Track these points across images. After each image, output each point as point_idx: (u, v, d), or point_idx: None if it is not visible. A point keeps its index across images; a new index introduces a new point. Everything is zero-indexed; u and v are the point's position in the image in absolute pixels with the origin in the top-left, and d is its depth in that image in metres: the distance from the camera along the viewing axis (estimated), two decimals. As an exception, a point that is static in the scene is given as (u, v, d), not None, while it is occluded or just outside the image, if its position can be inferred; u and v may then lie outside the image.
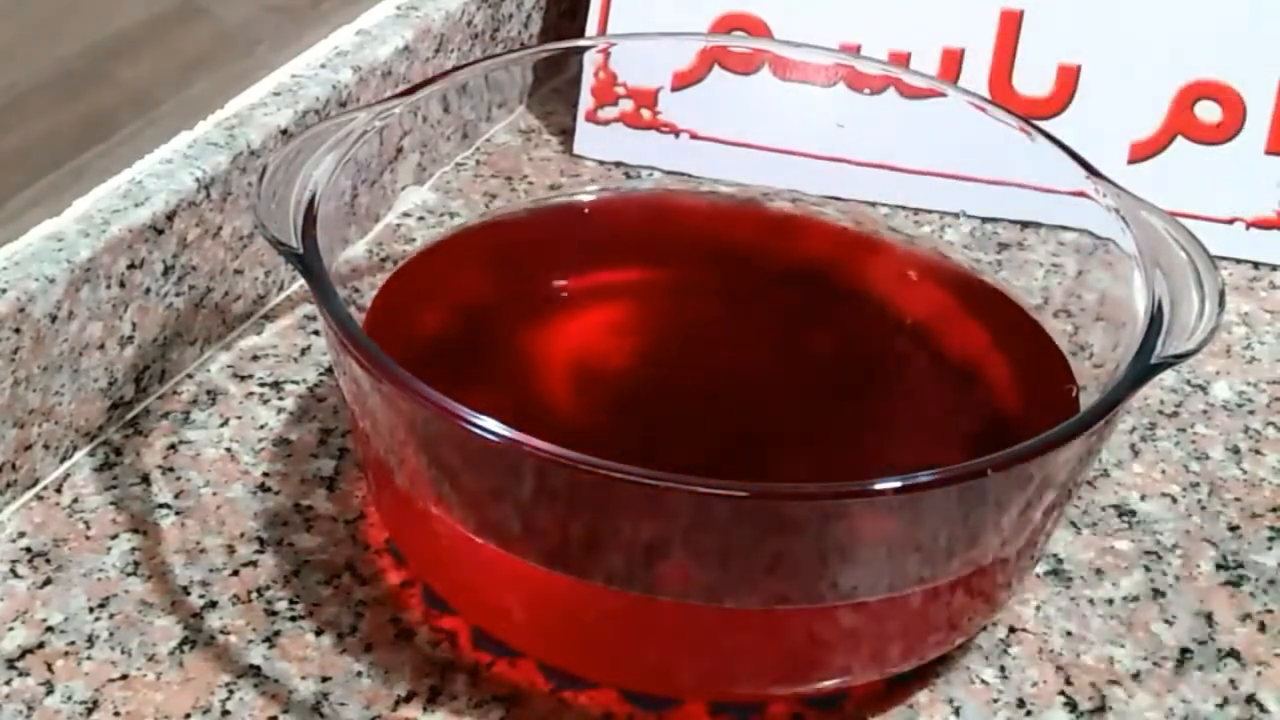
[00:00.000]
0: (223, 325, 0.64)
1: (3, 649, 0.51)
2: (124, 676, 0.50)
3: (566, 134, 0.77)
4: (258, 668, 0.51)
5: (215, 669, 0.51)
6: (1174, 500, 0.60)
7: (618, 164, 0.75)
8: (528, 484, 0.46)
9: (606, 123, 0.75)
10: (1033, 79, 0.73)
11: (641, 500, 0.45)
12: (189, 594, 0.53)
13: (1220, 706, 0.52)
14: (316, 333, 0.65)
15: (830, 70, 0.64)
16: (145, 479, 0.58)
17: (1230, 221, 0.72)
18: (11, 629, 0.52)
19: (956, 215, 0.68)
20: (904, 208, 0.71)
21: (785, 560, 0.46)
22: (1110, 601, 0.55)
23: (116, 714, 0.49)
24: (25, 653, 0.51)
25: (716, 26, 0.75)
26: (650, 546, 0.46)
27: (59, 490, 0.57)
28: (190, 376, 0.62)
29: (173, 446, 0.59)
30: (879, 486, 0.44)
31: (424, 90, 0.59)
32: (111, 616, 0.52)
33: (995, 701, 0.52)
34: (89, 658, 0.51)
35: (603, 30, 0.76)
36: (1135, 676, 0.53)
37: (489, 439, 0.44)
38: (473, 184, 0.74)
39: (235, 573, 0.54)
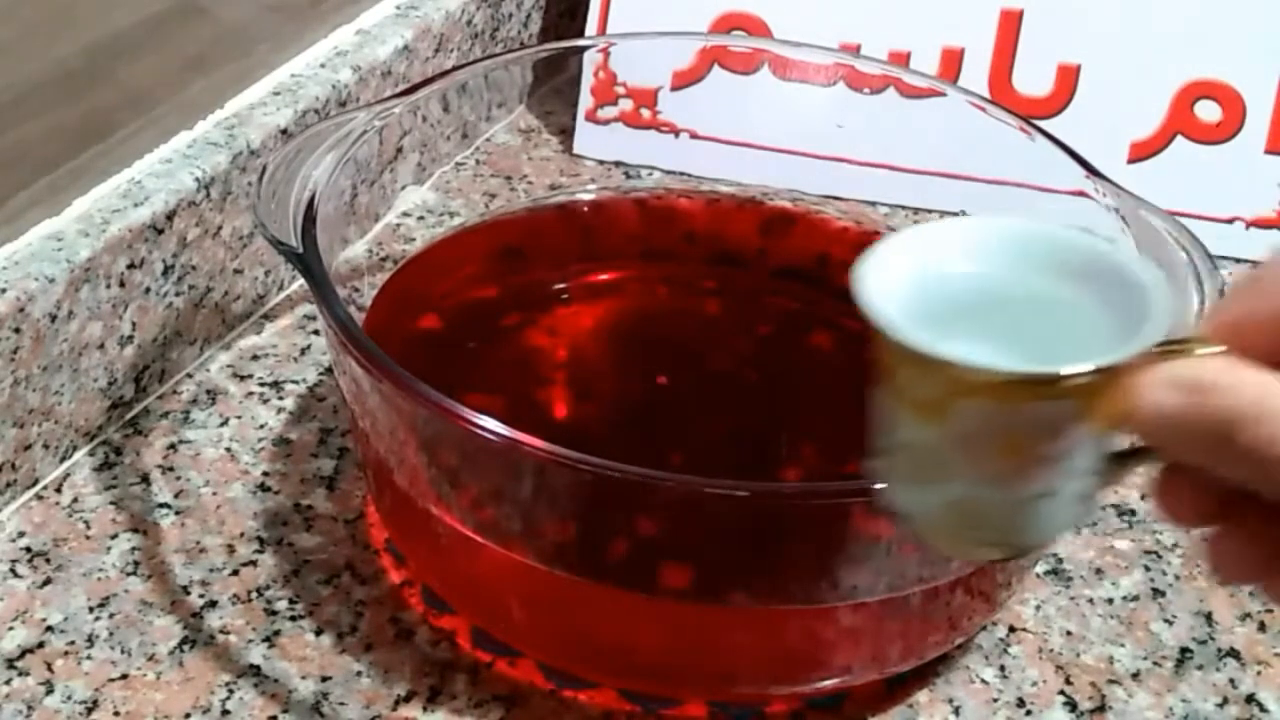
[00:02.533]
0: (223, 325, 0.64)
1: (3, 649, 0.51)
2: (124, 676, 0.50)
3: (566, 134, 0.77)
4: (258, 667, 0.51)
5: (215, 669, 0.51)
6: (1174, 500, 0.60)
7: (618, 164, 0.75)
8: (527, 483, 0.46)
9: (606, 122, 0.75)
10: (1033, 79, 0.73)
11: (641, 500, 0.45)
12: (189, 594, 0.53)
13: (1220, 706, 0.52)
14: (316, 333, 0.65)
15: (830, 70, 0.64)
16: (145, 479, 0.58)
17: (1230, 221, 0.72)
18: (11, 629, 0.52)
19: (956, 215, 0.68)
20: (904, 207, 0.71)
21: (785, 560, 0.46)
22: (1110, 601, 0.55)
23: (116, 714, 0.49)
24: (25, 652, 0.51)
25: (716, 26, 0.75)
26: (650, 546, 0.46)
27: (59, 490, 0.57)
28: (190, 376, 0.62)
29: (173, 446, 0.59)
30: (879, 486, 0.44)
31: (424, 90, 0.59)
32: (111, 616, 0.52)
33: (995, 701, 0.52)
34: (89, 657, 0.51)
35: (603, 30, 0.76)
36: (1135, 676, 0.53)
37: (489, 438, 0.44)
38: (473, 184, 0.74)
39: (235, 572, 0.54)
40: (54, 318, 0.55)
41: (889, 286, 0.36)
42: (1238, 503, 0.34)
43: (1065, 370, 0.33)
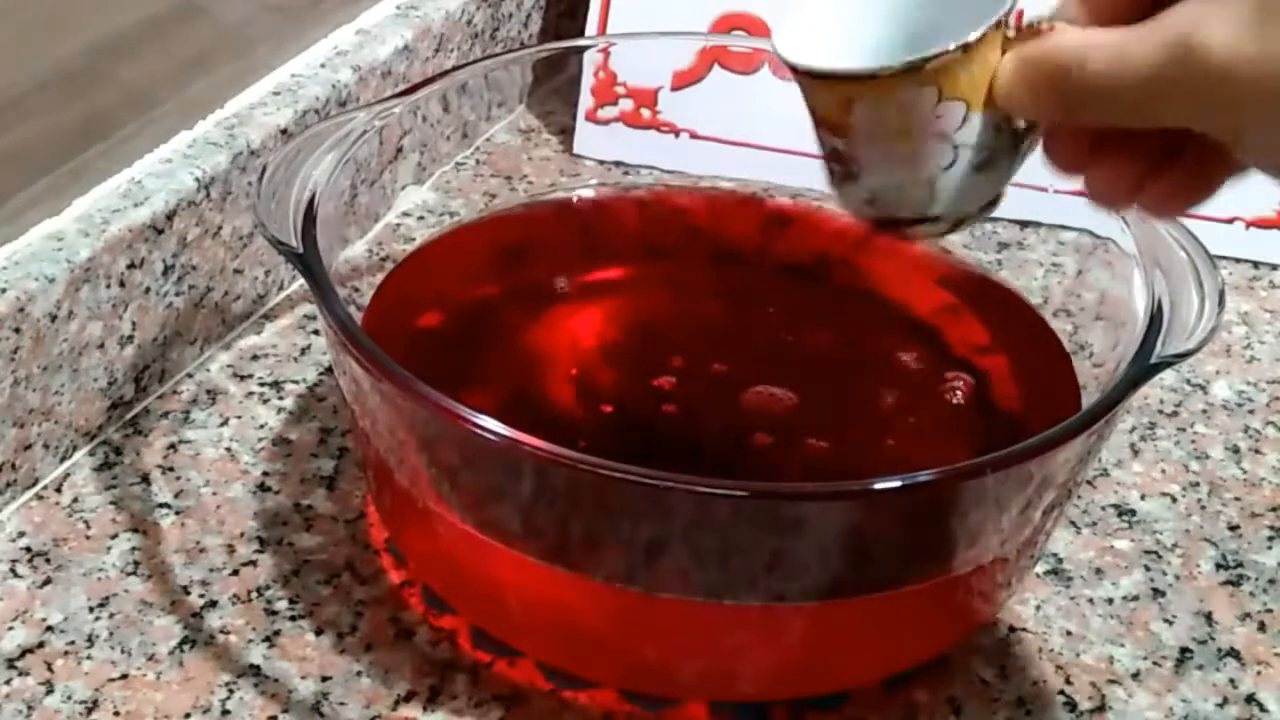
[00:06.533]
0: (223, 325, 0.64)
1: (3, 649, 0.51)
2: (124, 676, 0.50)
3: (566, 134, 0.77)
4: (258, 667, 0.51)
5: (215, 669, 0.51)
6: (1174, 500, 0.60)
7: (618, 163, 0.75)
8: (527, 483, 0.46)
9: (606, 122, 0.75)
10: (1033, 78, 0.73)
11: (641, 499, 0.45)
12: (189, 594, 0.53)
13: (1220, 706, 0.52)
14: (316, 333, 0.65)
15: (830, 70, 0.64)
16: (145, 479, 0.58)
17: (1230, 221, 0.72)
18: (11, 629, 0.52)
19: None
20: (904, 207, 0.71)
21: (785, 559, 0.46)
22: (1110, 601, 0.55)
23: (116, 714, 0.49)
24: (25, 652, 0.51)
25: (716, 26, 0.75)
26: (650, 545, 0.46)
27: (59, 490, 0.57)
28: (190, 376, 0.62)
29: (173, 446, 0.59)
30: (879, 486, 0.44)
31: (424, 90, 0.59)
32: (111, 616, 0.52)
33: (995, 701, 0.52)
34: (89, 657, 0.51)
35: (603, 30, 0.76)
36: (1135, 676, 0.53)
37: (489, 438, 0.44)
38: (472, 183, 0.74)
39: (235, 572, 0.54)
40: (54, 318, 0.55)
41: (813, 35, 0.43)
42: (1104, 142, 0.41)
43: (918, 57, 0.39)
